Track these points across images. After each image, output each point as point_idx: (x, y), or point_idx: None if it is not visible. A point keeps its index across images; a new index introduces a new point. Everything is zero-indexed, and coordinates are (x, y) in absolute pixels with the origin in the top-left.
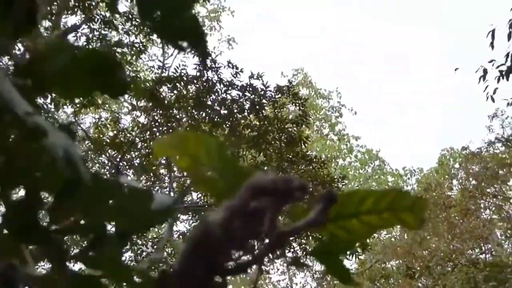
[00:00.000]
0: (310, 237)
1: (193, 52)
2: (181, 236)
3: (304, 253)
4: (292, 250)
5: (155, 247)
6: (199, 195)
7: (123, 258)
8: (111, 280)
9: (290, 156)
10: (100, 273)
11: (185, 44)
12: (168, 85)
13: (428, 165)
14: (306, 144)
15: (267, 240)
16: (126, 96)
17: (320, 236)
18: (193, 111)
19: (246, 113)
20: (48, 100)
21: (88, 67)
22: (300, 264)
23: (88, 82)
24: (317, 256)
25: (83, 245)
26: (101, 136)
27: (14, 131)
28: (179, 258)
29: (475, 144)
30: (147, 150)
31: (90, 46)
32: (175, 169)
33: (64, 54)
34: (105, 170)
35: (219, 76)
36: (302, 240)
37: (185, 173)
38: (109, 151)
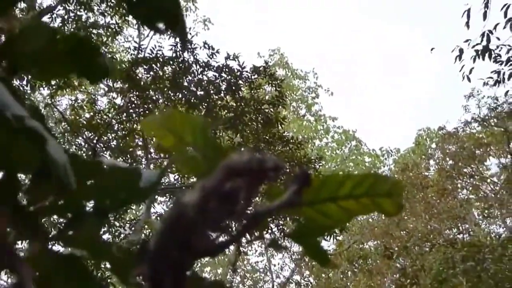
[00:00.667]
0: (288, 219)
1: (171, 33)
2: (158, 218)
3: (282, 234)
4: (270, 231)
5: (132, 228)
6: (176, 176)
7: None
8: (91, 258)
9: (267, 137)
10: (79, 252)
11: (162, 25)
12: (144, 67)
13: (405, 145)
14: (282, 125)
15: (242, 221)
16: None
17: (297, 218)
18: (170, 92)
19: (222, 94)
20: (24, 82)
21: (66, 50)
22: (278, 246)
23: (66, 65)
24: (295, 238)
25: (61, 225)
26: (78, 118)
27: None
28: (153, 239)
29: (452, 124)
30: (123, 132)
31: (66, 28)
32: (151, 150)
33: (41, 36)
34: (82, 152)
35: (195, 57)
36: (280, 222)
37: (161, 155)
38: (86, 132)
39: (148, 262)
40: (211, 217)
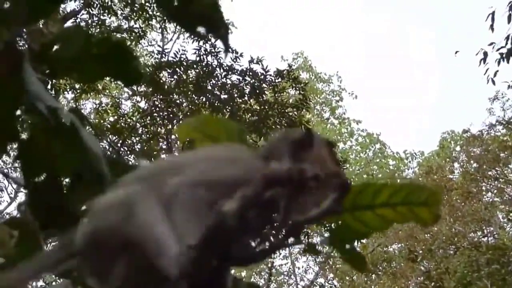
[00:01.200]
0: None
1: (211, 37)
2: None
3: (307, 237)
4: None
5: None
6: None
7: None
8: None
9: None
10: None
11: (202, 30)
12: (168, 70)
13: (429, 148)
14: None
15: (282, 230)
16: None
17: (323, 222)
18: (193, 96)
19: (246, 98)
20: (49, 86)
21: (101, 53)
22: (315, 251)
23: (102, 68)
24: (333, 244)
25: None
26: (102, 121)
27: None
28: (194, 248)
29: (476, 127)
30: (147, 135)
31: (90, 32)
32: (176, 154)
33: (78, 39)
34: (106, 155)
35: (218, 60)
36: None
37: None
38: (110, 136)
39: (190, 271)
40: (250, 226)
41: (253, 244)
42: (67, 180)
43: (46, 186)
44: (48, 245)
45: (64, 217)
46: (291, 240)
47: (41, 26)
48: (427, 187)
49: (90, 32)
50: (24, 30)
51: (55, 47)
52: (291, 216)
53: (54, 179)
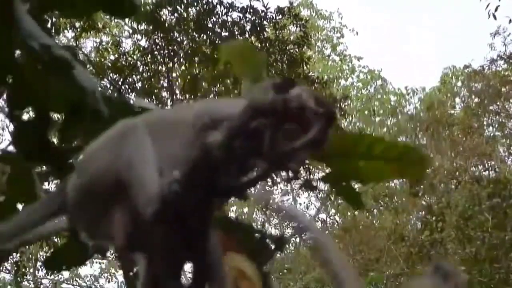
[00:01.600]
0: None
1: None
2: None
3: (308, 173)
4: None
5: None
6: None
7: None
8: None
9: (292, 77)
10: None
11: None
12: (169, 8)
13: (431, 84)
14: (308, 65)
15: (267, 160)
16: (127, 19)
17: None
18: (194, 33)
19: (247, 35)
20: (49, 25)
21: None
22: (312, 187)
23: (94, 1)
24: (328, 182)
25: None
26: (103, 60)
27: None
28: (179, 179)
29: (477, 62)
30: (148, 73)
31: None
32: (177, 92)
33: None
34: (107, 94)
35: None
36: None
37: (187, 96)
38: (111, 75)
39: (174, 202)
40: (235, 157)
41: (237, 175)
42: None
43: (33, 120)
44: (43, 181)
45: (49, 153)
46: (283, 174)
47: None
48: (419, 150)
49: None
50: None
51: None
52: (276, 147)
53: (43, 114)
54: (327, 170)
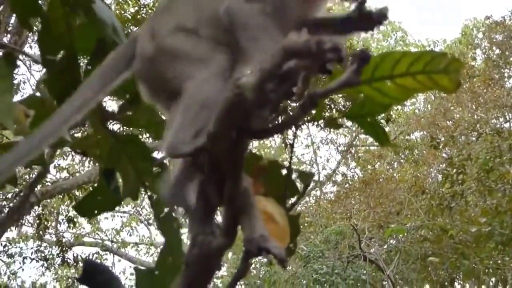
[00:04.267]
0: (340, 99)
1: None
2: None
3: (331, 113)
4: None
5: None
6: None
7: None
8: (151, 137)
9: None
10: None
11: None
12: None
13: (452, 35)
14: None
15: (300, 102)
16: None
17: (350, 100)
18: None
19: None
20: None
21: None
22: (336, 125)
23: None
24: (352, 118)
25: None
26: (123, 12)
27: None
28: (213, 120)
29: (498, 13)
30: None
31: None
32: None
33: None
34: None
35: None
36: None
37: None
38: (131, 27)
39: (209, 142)
40: (269, 99)
41: (270, 117)
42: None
43: (63, 63)
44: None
45: None
46: (309, 113)
47: None
48: (447, 55)
49: None
50: None
51: None
52: (309, 88)
53: (72, 56)
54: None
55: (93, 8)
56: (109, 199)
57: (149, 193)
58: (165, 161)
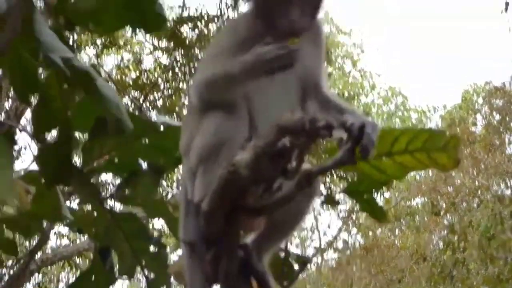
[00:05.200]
0: (335, 176)
1: None
2: None
3: (329, 191)
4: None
5: (179, 188)
6: None
7: None
8: (148, 216)
9: None
10: (136, 210)
11: None
12: (189, 25)
13: (452, 101)
14: (328, 82)
15: (295, 180)
16: (148, 36)
17: (345, 176)
18: None
19: None
20: (70, 42)
21: (121, 2)
22: (334, 202)
23: (122, 16)
24: (350, 194)
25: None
26: (124, 77)
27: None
28: (207, 197)
29: (498, 78)
30: (169, 91)
31: None
32: None
33: None
34: (128, 111)
35: (239, 14)
36: (327, 179)
37: None
38: (132, 92)
39: (203, 219)
40: (263, 176)
41: (265, 194)
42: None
43: (57, 141)
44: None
45: (71, 174)
46: (304, 191)
47: None
48: (445, 133)
49: None
50: None
51: None
52: (303, 166)
53: (66, 134)
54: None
55: (95, 85)
56: (104, 278)
57: (146, 272)
58: (162, 240)
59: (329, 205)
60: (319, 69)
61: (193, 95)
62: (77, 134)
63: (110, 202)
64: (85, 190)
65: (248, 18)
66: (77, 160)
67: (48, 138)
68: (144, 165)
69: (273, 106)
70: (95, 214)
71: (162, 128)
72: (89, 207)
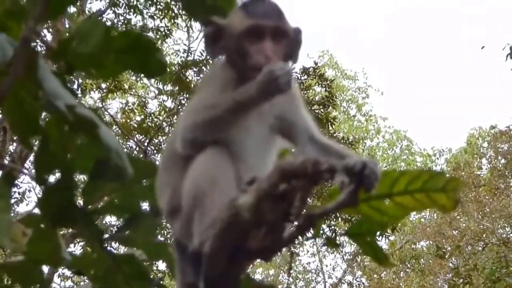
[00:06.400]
0: (340, 219)
1: None
2: None
3: (334, 234)
4: (321, 231)
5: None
6: None
7: None
8: (148, 258)
9: None
10: (137, 252)
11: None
12: (194, 69)
13: (457, 145)
14: (333, 126)
15: (297, 222)
16: (153, 80)
17: (350, 218)
18: None
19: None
20: (75, 86)
21: (123, 47)
22: (335, 244)
23: (123, 62)
24: (352, 237)
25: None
26: (129, 120)
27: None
28: (209, 240)
29: (504, 122)
30: None
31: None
32: None
33: (97, 34)
34: (133, 154)
35: None
36: (331, 222)
37: None
38: (137, 135)
39: (204, 261)
40: (265, 219)
41: (266, 237)
42: (82, 177)
43: (58, 183)
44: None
45: (74, 216)
46: (306, 234)
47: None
48: (445, 174)
49: (110, 26)
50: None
51: (74, 43)
52: (306, 209)
53: (67, 176)
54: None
55: (97, 133)
56: None
57: None
58: (161, 282)
59: (331, 247)
60: (309, 121)
61: (177, 142)
62: (77, 176)
63: (109, 244)
64: (89, 231)
65: (223, 66)
66: (77, 201)
67: (51, 180)
68: (145, 207)
69: (254, 150)
70: (95, 255)
71: None
72: (88, 248)
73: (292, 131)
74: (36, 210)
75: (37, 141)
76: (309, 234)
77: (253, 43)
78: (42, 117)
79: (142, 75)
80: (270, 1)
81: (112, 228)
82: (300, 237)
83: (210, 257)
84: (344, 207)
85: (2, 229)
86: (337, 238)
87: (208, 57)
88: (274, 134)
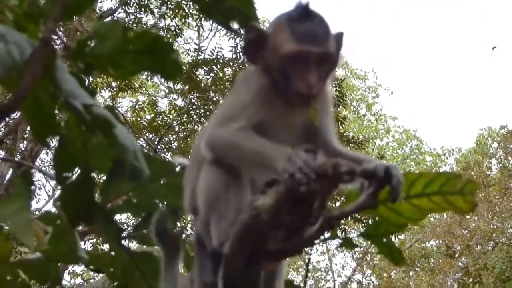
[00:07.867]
0: (350, 219)
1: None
2: None
3: (344, 233)
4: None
5: (194, 229)
6: None
7: None
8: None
9: None
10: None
11: (235, 25)
12: (205, 68)
13: (467, 144)
14: (343, 125)
15: (317, 224)
16: (163, 79)
17: (360, 217)
18: None
19: None
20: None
21: (140, 48)
22: (352, 245)
23: (140, 62)
24: (369, 237)
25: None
26: (139, 119)
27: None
28: (229, 241)
29: None
30: (184, 133)
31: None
32: None
33: (115, 35)
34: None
35: None
36: (342, 222)
37: None
38: (147, 134)
39: (224, 262)
40: (285, 220)
41: (286, 239)
42: (101, 176)
43: (78, 182)
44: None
45: (94, 214)
46: (325, 234)
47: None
48: (462, 176)
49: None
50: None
51: (91, 43)
52: (325, 211)
53: (87, 175)
54: (363, 230)
55: (114, 133)
56: None
57: None
58: None
59: (349, 248)
60: (330, 127)
61: (204, 148)
62: (94, 175)
63: (125, 242)
64: (108, 229)
65: (259, 75)
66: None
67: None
68: (161, 205)
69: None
70: (113, 253)
71: (178, 169)
72: (106, 246)
73: (314, 139)
74: (47, 208)
75: (56, 141)
76: (326, 235)
77: (297, 67)
78: (61, 117)
79: (159, 75)
80: (318, 19)
81: (122, 226)
82: (319, 239)
83: (229, 258)
84: (364, 209)
85: (23, 228)
86: (353, 238)
87: (218, 56)
88: (300, 142)
